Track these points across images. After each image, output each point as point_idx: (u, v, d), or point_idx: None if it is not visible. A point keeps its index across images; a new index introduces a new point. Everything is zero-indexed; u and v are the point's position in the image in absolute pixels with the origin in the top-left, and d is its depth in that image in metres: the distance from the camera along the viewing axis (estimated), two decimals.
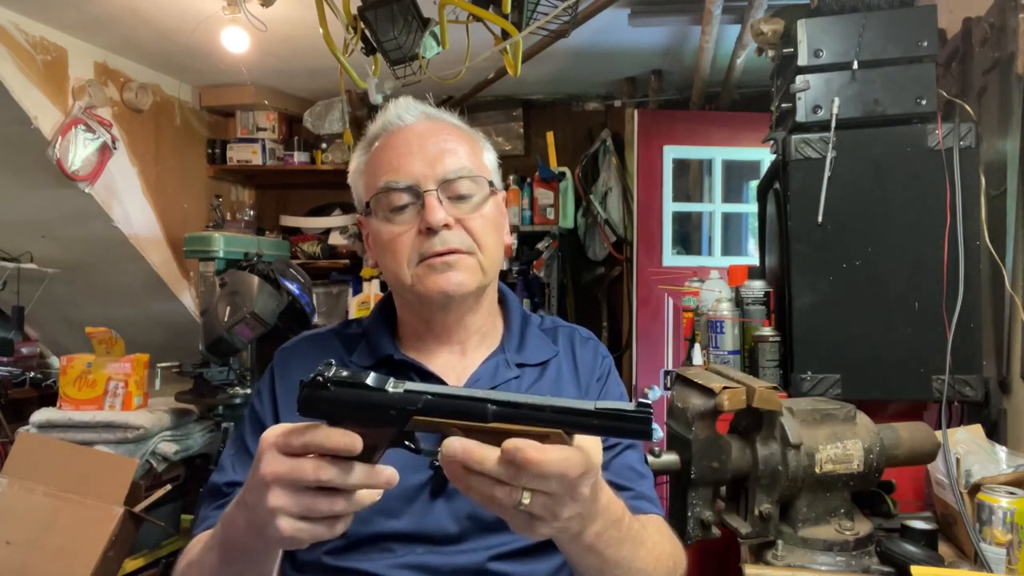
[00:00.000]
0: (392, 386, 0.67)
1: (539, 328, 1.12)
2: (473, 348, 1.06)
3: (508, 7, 1.91)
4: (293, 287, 2.91)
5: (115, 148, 3.15)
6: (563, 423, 0.64)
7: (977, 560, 1.25)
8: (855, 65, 1.66)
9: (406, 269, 0.97)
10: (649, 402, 0.64)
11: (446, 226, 0.95)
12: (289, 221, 4.15)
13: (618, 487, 1.01)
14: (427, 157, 0.97)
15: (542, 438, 0.64)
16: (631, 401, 0.64)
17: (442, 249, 0.95)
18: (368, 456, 0.68)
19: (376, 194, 0.98)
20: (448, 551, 0.93)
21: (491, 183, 1.02)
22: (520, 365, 1.05)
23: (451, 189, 0.97)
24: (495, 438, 0.64)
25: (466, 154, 1.00)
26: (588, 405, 0.64)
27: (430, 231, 0.95)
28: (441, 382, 1.00)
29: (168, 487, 2.49)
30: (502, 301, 1.13)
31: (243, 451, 1.02)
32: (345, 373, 0.67)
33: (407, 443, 0.70)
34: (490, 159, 1.06)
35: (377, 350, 1.04)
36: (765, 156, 2.34)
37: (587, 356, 1.11)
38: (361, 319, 1.12)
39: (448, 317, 1.02)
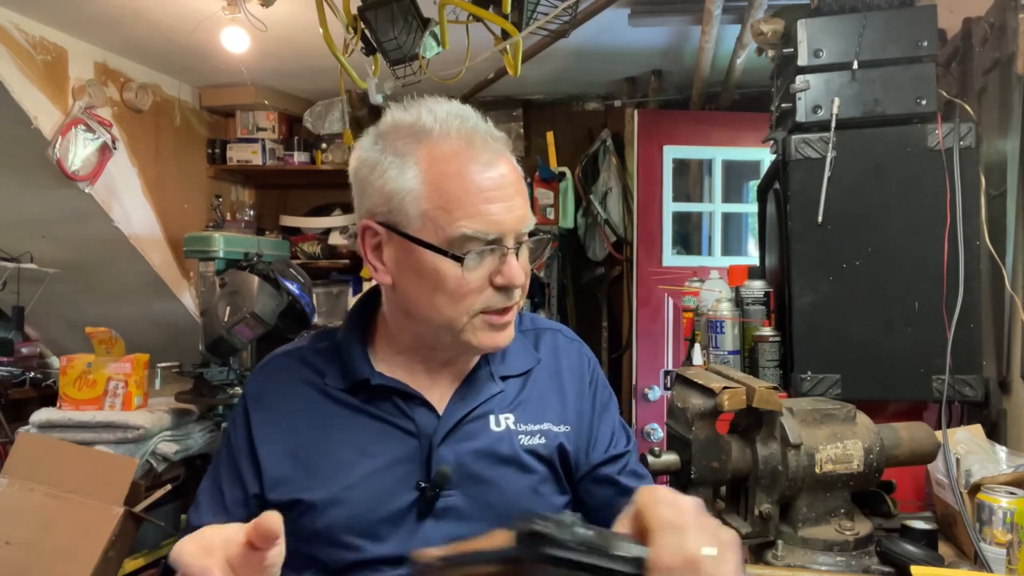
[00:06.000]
0: (621, 548, 0.65)
1: (519, 330, 1.08)
2: (455, 361, 1.02)
3: (508, 7, 1.91)
4: (293, 287, 2.91)
5: (115, 148, 3.15)
6: None
7: (977, 560, 1.25)
8: (855, 65, 1.66)
9: (464, 317, 0.92)
10: None
11: None
12: (289, 221, 4.15)
13: (629, 489, 1.04)
14: (510, 207, 0.90)
15: None
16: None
17: (510, 305, 0.93)
18: None
19: (452, 239, 0.88)
20: None
21: None
22: (504, 377, 1.03)
23: (522, 243, 0.94)
24: None
25: (527, 197, 0.95)
26: None
27: (504, 288, 0.91)
28: (426, 403, 0.98)
29: (168, 487, 2.49)
30: None
31: (216, 489, 0.99)
32: (580, 529, 0.65)
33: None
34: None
35: (353, 372, 0.99)
36: (765, 156, 2.34)
37: (572, 361, 1.09)
38: (333, 331, 1.06)
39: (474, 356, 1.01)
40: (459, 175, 0.89)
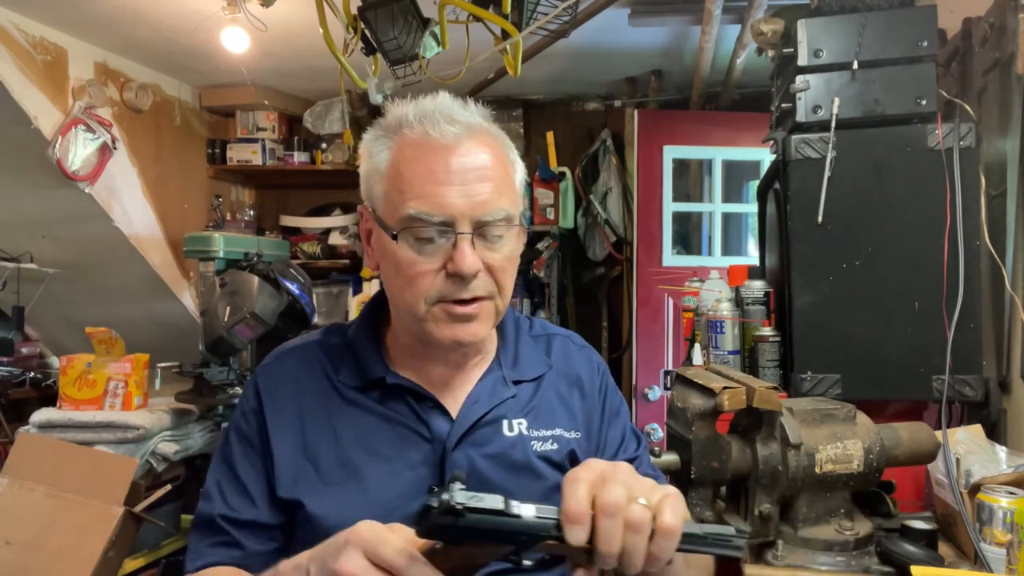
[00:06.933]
0: (525, 510, 0.66)
1: (530, 335, 1.09)
2: (470, 364, 1.02)
3: (508, 7, 1.91)
4: (293, 287, 2.91)
5: (115, 148, 3.15)
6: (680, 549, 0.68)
7: (977, 560, 1.25)
8: (855, 65, 1.66)
9: (422, 305, 0.90)
10: (746, 531, 0.68)
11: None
12: (289, 221, 4.15)
13: None
14: (467, 192, 0.88)
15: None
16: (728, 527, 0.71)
17: (468, 296, 0.90)
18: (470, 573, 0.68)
19: (401, 218, 0.89)
20: None
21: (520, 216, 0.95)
22: (516, 382, 1.02)
23: (485, 232, 0.90)
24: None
25: (503, 186, 0.92)
26: (698, 529, 0.69)
27: (456, 276, 0.89)
28: (439, 405, 0.97)
29: (168, 487, 2.49)
30: None
31: (231, 476, 0.97)
32: (479, 498, 0.65)
33: (513, 558, 0.69)
34: (520, 176, 0.98)
35: (366, 371, 0.98)
36: (765, 156, 2.34)
37: (583, 367, 1.09)
38: (345, 327, 1.05)
39: (453, 353, 0.99)
40: (415, 158, 0.90)
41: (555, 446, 1.00)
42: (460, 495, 0.64)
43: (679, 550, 0.68)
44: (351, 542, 0.68)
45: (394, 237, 0.89)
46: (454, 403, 0.98)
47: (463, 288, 0.90)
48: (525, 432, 0.99)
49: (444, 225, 0.88)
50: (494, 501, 0.64)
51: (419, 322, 0.93)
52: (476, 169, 0.90)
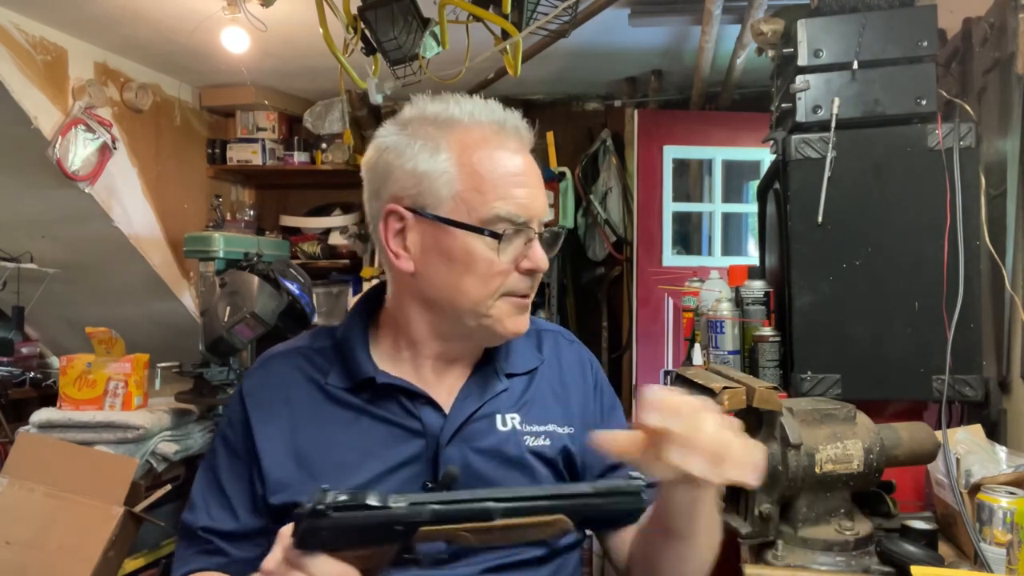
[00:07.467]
0: (394, 500, 0.65)
1: None
2: (463, 361, 1.02)
3: (508, 7, 1.92)
4: (293, 287, 2.91)
5: (115, 148, 3.15)
6: (565, 509, 0.67)
7: (977, 560, 1.25)
8: (855, 65, 1.66)
9: (490, 300, 0.94)
10: (640, 476, 0.69)
11: None
12: (289, 221, 4.15)
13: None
14: (536, 194, 0.96)
15: (547, 524, 0.68)
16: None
17: (530, 291, 0.97)
18: None
19: (485, 218, 0.92)
20: (441, 571, 0.91)
21: None
22: (508, 376, 1.02)
23: (543, 232, 0.98)
24: (504, 532, 0.67)
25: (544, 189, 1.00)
26: (586, 487, 0.68)
27: (530, 272, 0.96)
28: (432, 402, 0.97)
29: (168, 487, 2.49)
30: None
31: (215, 486, 0.97)
32: (344, 497, 0.64)
33: (407, 555, 0.69)
34: None
35: (355, 371, 0.98)
36: (765, 156, 2.34)
37: (573, 363, 1.10)
38: (333, 329, 1.05)
39: (480, 347, 1.01)
40: (491, 159, 0.93)
41: (547, 441, 1.00)
42: (327, 497, 0.64)
43: (578, 513, 0.68)
44: (276, 541, 0.71)
45: (497, 236, 0.92)
46: (447, 398, 0.98)
47: (531, 284, 0.96)
48: (518, 427, 0.99)
49: (525, 226, 0.94)
50: (368, 496, 0.65)
51: (479, 317, 0.95)
52: (535, 174, 0.97)
